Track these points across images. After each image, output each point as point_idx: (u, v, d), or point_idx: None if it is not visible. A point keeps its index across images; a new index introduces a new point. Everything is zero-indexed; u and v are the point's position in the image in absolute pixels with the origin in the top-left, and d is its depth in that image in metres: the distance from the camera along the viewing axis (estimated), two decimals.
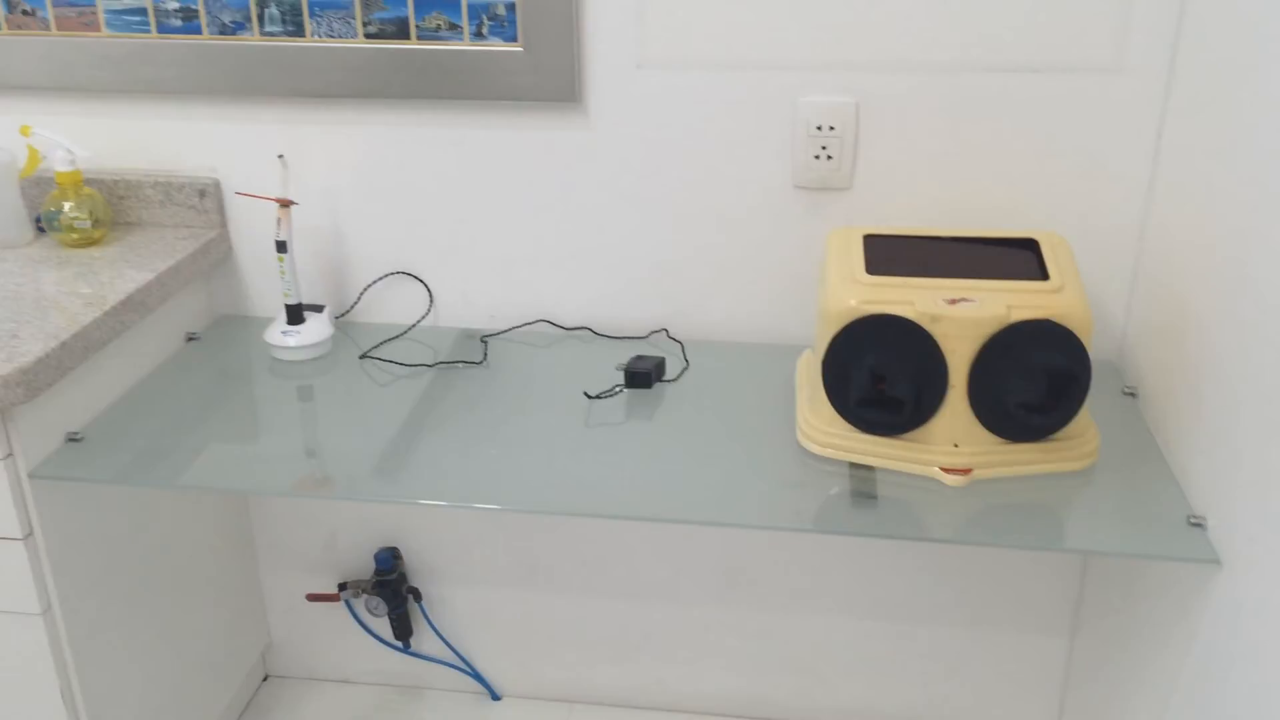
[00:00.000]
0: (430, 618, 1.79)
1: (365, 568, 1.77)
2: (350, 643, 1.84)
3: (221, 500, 1.66)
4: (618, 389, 1.41)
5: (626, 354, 1.50)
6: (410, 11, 1.41)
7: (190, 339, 1.54)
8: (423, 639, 1.82)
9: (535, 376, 1.44)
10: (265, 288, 1.61)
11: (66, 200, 1.48)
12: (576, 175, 1.48)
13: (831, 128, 1.40)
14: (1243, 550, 1.05)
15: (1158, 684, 1.25)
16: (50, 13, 1.47)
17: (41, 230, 1.55)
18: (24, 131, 1.48)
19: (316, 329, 1.49)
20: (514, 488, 1.20)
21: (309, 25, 1.43)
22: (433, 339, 1.55)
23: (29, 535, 1.24)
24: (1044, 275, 1.20)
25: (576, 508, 1.18)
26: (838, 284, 1.20)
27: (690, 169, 1.46)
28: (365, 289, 1.59)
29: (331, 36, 1.43)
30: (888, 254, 1.25)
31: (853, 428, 1.22)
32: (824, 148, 1.41)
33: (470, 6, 1.40)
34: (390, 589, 1.72)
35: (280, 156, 1.52)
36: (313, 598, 1.80)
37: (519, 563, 1.72)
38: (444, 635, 1.81)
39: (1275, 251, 1.02)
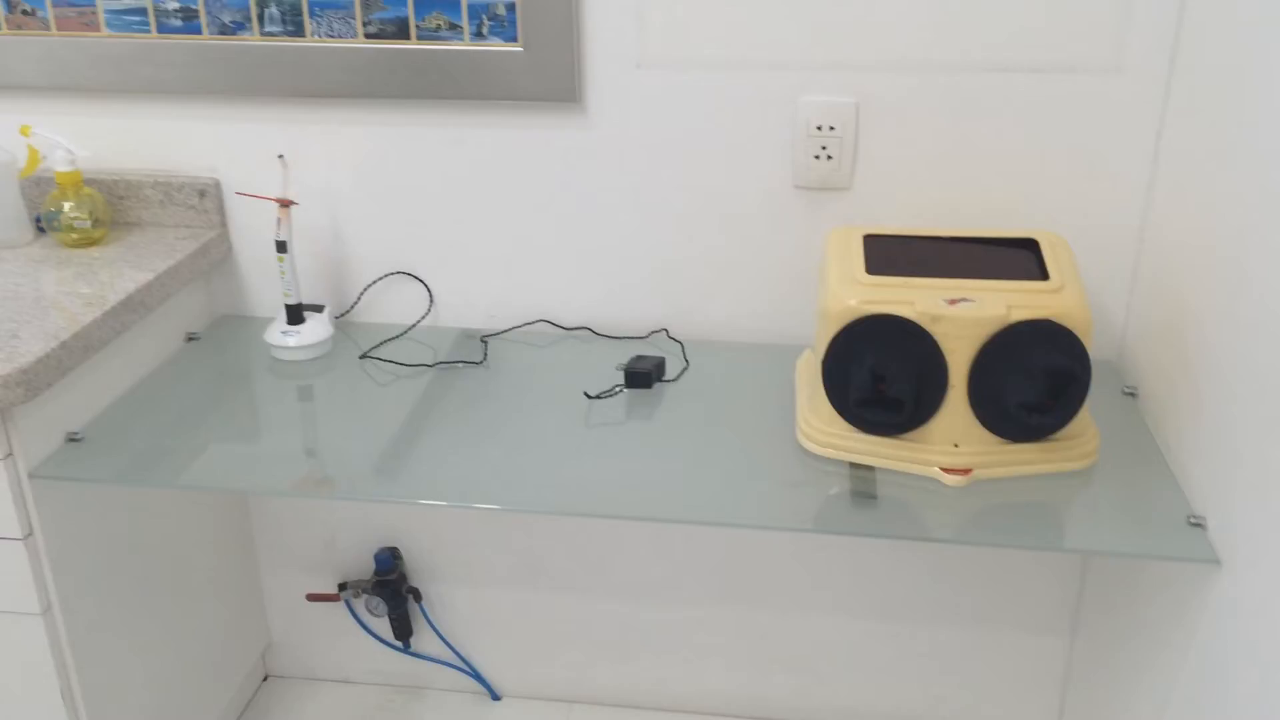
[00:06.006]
0: (430, 618, 1.79)
1: (365, 568, 1.77)
2: (350, 643, 1.84)
3: (221, 500, 1.66)
4: (618, 389, 1.41)
5: (626, 354, 1.50)
6: (410, 11, 1.41)
7: (190, 339, 1.54)
8: (423, 639, 1.82)
9: (535, 376, 1.44)
10: (265, 288, 1.61)
11: (66, 200, 1.48)
12: (576, 175, 1.49)
13: (831, 128, 1.40)
14: (1242, 550, 1.05)
15: (1157, 684, 1.26)
16: (50, 13, 1.47)
17: (41, 230, 1.55)
18: (24, 131, 1.48)
19: (316, 329, 1.49)
20: (514, 488, 1.20)
21: (309, 25, 1.43)
22: (433, 339, 1.55)
23: (29, 535, 1.24)
24: (1044, 275, 1.20)
25: (576, 508, 1.18)
26: (838, 284, 1.20)
27: (690, 169, 1.46)
28: (365, 289, 1.59)
29: (331, 36, 1.43)
30: (888, 254, 1.25)
31: (853, 428, 1.22)
32: (824, 148, 1.41)
33: (470, 6, 1.40)
34: (390, 589, 1.72)
35: (280, 156, 1.52)
36: (313, 598, 1.80)
37: (519, 563, 1.72)
38: (444, 635, 1.81)
39: (1275, 251, 1.02)
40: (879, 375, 1.17)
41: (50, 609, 1.28)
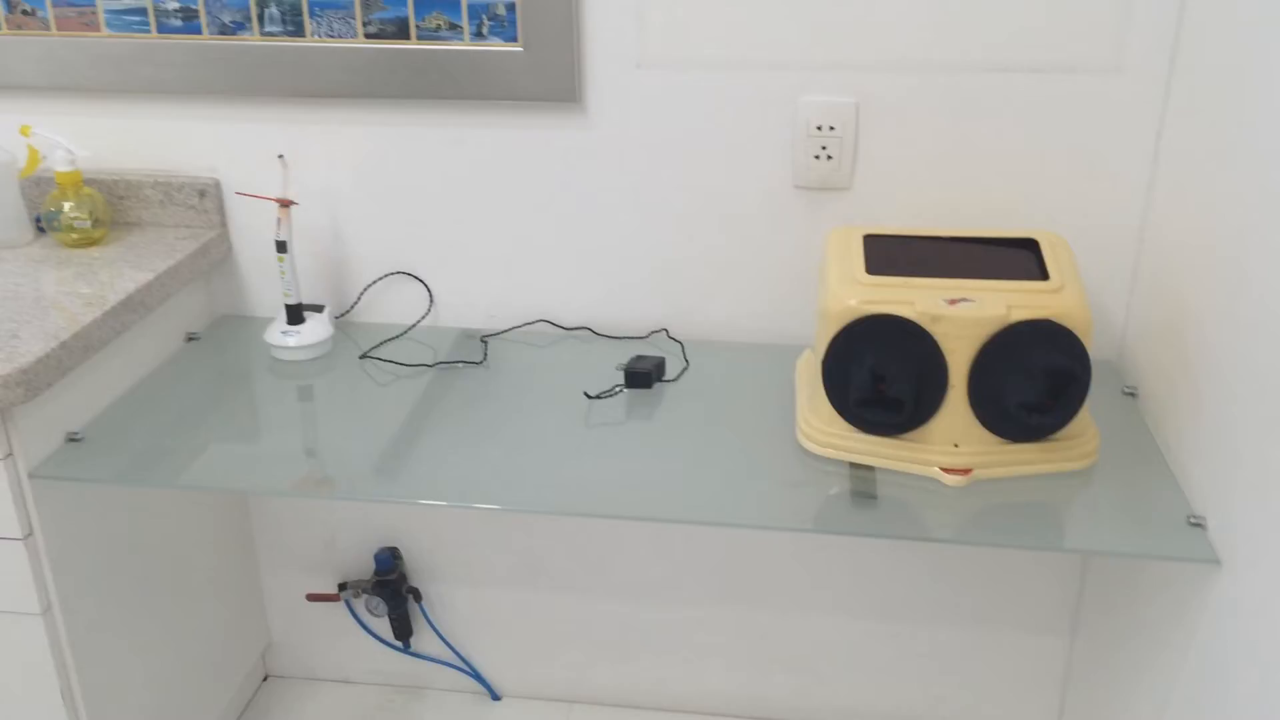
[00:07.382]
0: (430, 618, 1.79)
1: (365, 568, 1.77)
2: (350, 643, 1.84)
3: (221, 500, 1.66)
4: (618, 389, 1.41)
5: (626, 354, 1.50)
6: (410, 11, 1.41)
7: (190, 339, 1.54)
8: (423, 639, 1.82)
9: (535, 376, 1.44)
10: (265, 288, 1.61)
11: (66, 200, 1.48)
12: (576, 175, 1.49)
13: (831, 128, 1.40)
14: (1242, 550, 1.05)
15: (1157, 684, 1.26)
16: (50, 13, 1.47)
17: (41, 230, 1.55)
18: (24, 131, 1.48)
19: (316, 329, 1.49)
20: (514, 488, 1.20)
21: (309, 25, 1.43)
22: (433, 339, 1.55)
23: (29, 535, 1.24)
24: (1044, 275, 1.20)
25: (577, 508, 1.18)
26: (838, 284, 1.20)
27: (690, 169, 1.46)
28: (365, 289, 1.59)
29: (331, 36, 1.43)
30: (888, 254, 1.25)
31: (853, 427, 1.22)
32: (824, 148, 1.41)
33: (470, 6, 1.40)
34: (390, 589, 1.72)
35: (280, 156, 1.52)
36: (313, 598, 1.80)
37: (519, 563, 1.72)
38: (444, 635, 1.81)
39: (1275, 251, 1.02)
40: (879, 375, 1.17)
41: (50, 609, 1.28)
